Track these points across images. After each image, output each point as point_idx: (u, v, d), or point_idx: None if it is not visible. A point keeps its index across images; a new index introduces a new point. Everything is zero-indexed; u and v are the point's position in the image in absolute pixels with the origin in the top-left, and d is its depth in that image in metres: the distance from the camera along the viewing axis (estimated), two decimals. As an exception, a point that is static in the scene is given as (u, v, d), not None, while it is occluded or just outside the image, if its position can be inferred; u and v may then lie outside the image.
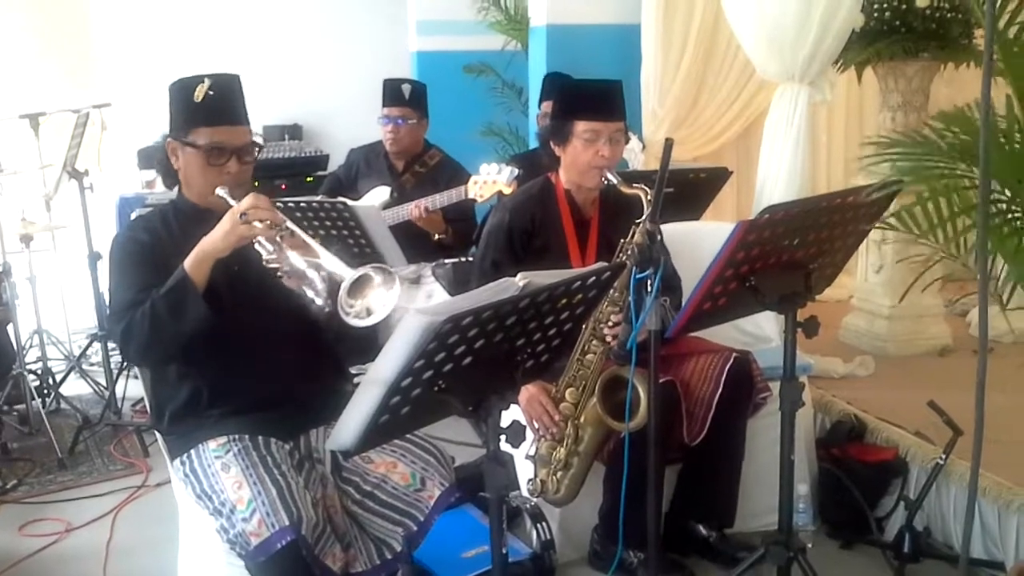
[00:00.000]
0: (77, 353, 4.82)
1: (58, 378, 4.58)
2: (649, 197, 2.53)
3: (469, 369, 1.75)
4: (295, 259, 2.13)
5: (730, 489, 2.93)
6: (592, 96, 2.91)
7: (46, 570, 3.13)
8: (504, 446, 1.88)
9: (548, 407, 2.69)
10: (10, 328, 4.18)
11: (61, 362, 4.82)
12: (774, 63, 3.65)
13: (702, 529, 2.95)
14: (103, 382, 4.53)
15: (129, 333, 2.20)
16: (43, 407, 4.22)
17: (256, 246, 2.19)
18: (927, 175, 2.46)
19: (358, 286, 2.01)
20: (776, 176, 3.66)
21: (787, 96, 3.63)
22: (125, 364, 4.51)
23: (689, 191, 3.80)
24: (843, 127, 5.72)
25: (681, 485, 2.98)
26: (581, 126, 2.86)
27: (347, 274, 2.00)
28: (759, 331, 3.42)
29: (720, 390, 2.78)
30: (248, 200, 2.17)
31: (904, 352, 4.18)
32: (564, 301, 1.87)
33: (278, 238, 2.15)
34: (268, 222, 2.14)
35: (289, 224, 2.17)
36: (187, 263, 2.17)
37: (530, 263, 2.86)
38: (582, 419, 2.69)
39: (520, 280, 1.79)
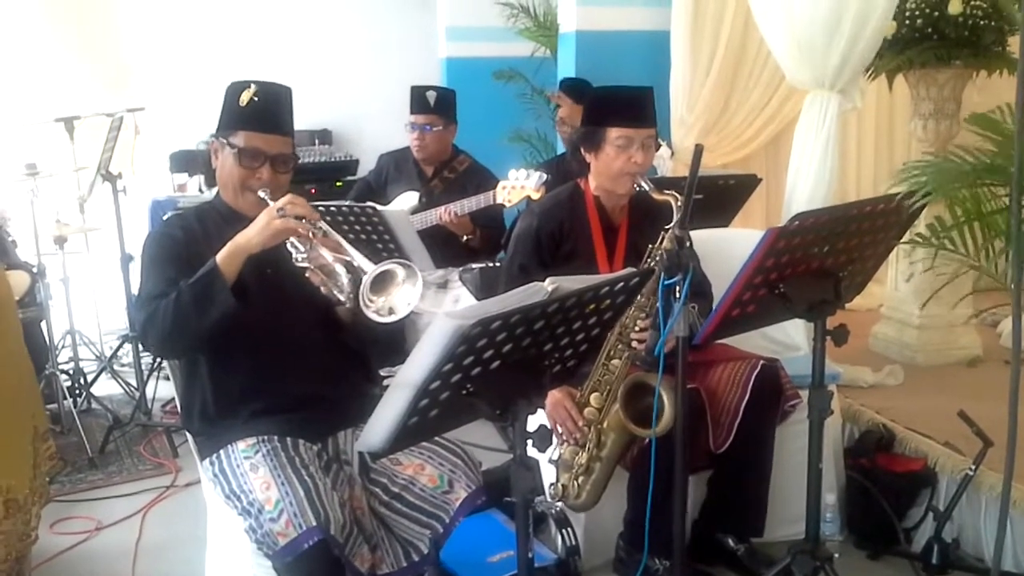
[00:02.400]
0: (108, 354, 4.88)
1: (89, 378, 4.64)
2: (679, 203, 2.53)
3: (497, 373, 1.76)
4: (325, 255, 2.17)
5: (759, 497, 2.91)
6: (624, 103, 2.91)
7: (76, 567, 3.17)
8: (530, 451, 1.89)
9: (572, 412, 2.69)
10: (43, 327, 4.25)
11: (93, 362, 4.90)
12: (804, 70, 3.64)
13: (730, 542, 2.94)
14: (134, 383, 4.57)
15: (152, 321, 2.22)
16: (74, 407, 4.28)
17: (289, 246, 2.23)
18: (955, 192, 2.47)
19: (381, 282, 2.05)
20: (805, 184, 3.64)
21: (817, 103, 3.61)
22: (156, 365, 4.56)
23: (718, 198, 3.80)
24: (873, 135, 5.67)
25: (710, 493, 2.98)
26: (614, 133, 2.86)
27: (370, 269, 2.03)
28: (787, 339, 3.40)
29: (747, 397, 2.77)
30: (286, 198, 2.22)
31: (934, 362, 4.14)
32: (592, 307, 1.88)
33: (311, 235, 2.18)
34: (304, 219, 2.19)
35: (323, 225, 2.21)
36: (219, 256, 2.20)
37: (558, 268, 2.88)
38: (605, 424, 2.69)
39: (549, 285, 1.80)
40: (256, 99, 2.35)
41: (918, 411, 3.46)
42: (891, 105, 5.44)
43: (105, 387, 4.71)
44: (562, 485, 2.72)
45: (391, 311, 2.06)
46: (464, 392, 1.74)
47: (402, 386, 1.68)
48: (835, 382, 3.23)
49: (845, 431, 3.42)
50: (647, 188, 2.72)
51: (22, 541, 2.16)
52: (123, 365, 4.98)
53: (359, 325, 2.38)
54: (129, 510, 3.55)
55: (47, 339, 4.27)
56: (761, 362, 2.84)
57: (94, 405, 4.53)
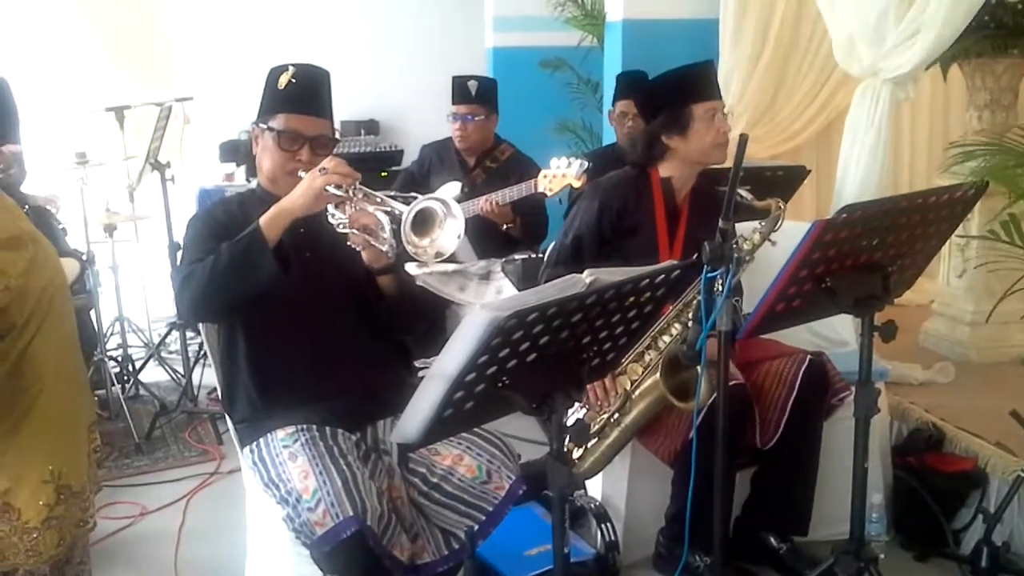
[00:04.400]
0: (156, 341, 4.94)
1: (137, 365, 4.70)
2: (782, 206, 2.52)
3: (534, 366, 1.73)
4: (366, 207, 2.19)
5: (803, 496, 2.87)
6: (701, 78, 2.97)
7: (120, 552, 3.21)
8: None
9: (605, 379, 2.67)
10: (92, 315, 4.31)
11: (141, 349, 4.95)
12: (858, 58, 3.55)
13: (772, 540, 2.89)
14: (181, 370, 4.63)
15: (188, 281, 2.23)
16: (122, 393, 4.34)
17: (329, 217, 2.24)
18: (1014, 180, 2.38)
19: (423, 224, 2.07)
20: (855, 175, 3.56)
21: (869, 93, 3.53)
22: (202, 353, 4.61)
23: (766, 189, 3.71)
24: (927, 126, 5.54)
25: (753, 490, 2.94)
26: (700, 108, 2.89)
27: (406, 210, 2.05)
28: (834, 334, 3.33)
29: (795, 393, 2.73)
30: (327, 160, 2.24)
31: (986, 359, 4.04)
32: (632, 299, 1.85)
33: (352, 193, 2.19)
34: (346, 175, 2.20)
35: (362, 186, 2.22)
36: (262, 219, 2.21)
37: (617, 243, 2.94)
38: (636, 393, 2.66)
39: (587, 277, 1.77)
40: (294, 81, 2.36)
41: (969, 410, 3.37)
42: (946, 96, 5.31)
43: (153, 374, 4.77)
44: (567, 448, 2.67)
45: (439, 253, 2.08)
46: (500, 385, 1.72)
47: (437, 377, 1.66)
48: (883, 379, 3.17)
49: (893, 429, 3.35)
50: (748, 199, 2.64)
51: (78, 527, 2.18)
52: (171, 352, 5.04)
53: (403, 295, 2.40)
54: (173, 496, 3.59)
55: (96, 326, 4.32)
56: (808, 357, 2.79)
57: (141, 391, 4.60)
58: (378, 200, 2.20)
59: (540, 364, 1.73)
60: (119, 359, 4.64)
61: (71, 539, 2.15)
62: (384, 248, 2.21)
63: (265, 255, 2.17)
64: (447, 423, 1.74)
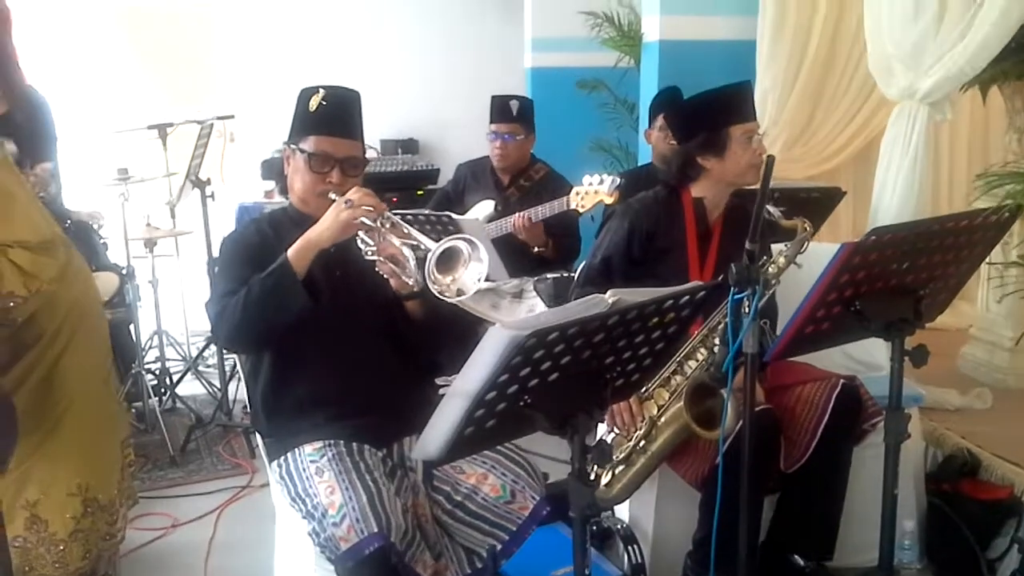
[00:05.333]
0: (194, 355, 5.00)
1: (175, 378, 4.76)
2: (807, 227, 2.52)
3: (555, 385, 1.73)
4: (393, 241, 2.20)
5: (832, 517, 2.83)
6: (739, 100, 2.96)
7: (151, 563, 3.25)
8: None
9: (633, 402, 2.66)
10: (131, 328, 4.37)
11: (178, 363, 5.02)
12: (895, 80, 3.52)
13: (799, 561, 2.85)
14: (217, 383, 4.68)
15: (223, 316, 2.27)
16: (159, 405, 4.40)
17: (359, 242, 2.27)
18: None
19: (447, 261, 2.07)
20: (892, 197, 3.52)
21: (904, 115, 3.50)
22: (238, 367, 4.66)
23: (801, 210, 3.69)
24: (966, 148, 5.46)
25: (781, 512, 2.90)
26: (738, 130, 2.89)
27: (433, 247, 2.05)
28: (869, 358, 3.29)
29: (826, 419, 2.70)
30: (353, 190, 2.26)
31: (1026, 386, 3.96)
32: (655, 320, 1.84)
33: (379, 224, 2.21)
34: (372, 208, 2.21)
35: (390, 214, 2.24)
36: (290, 251, 2.24)
37: (647, 265, 2.92)
38: (662, 420, 2.65)
39: (610, 297, 1.77)
40: (324, 103, 2.39)
41: (1006, 437, 3.30)
42: (986, 118, 5.23)
43: (189, 387, 4.83)
44: (595, 473, 2.66)
45: (460, 292, 2.07)
46: (521, 404, 1.72)
47: (458, 395, 1.67)
48: (917, 404, 3.12)
49: (928, 455, 3.30)
50: (776, 216, 2.65)
51: (105, 541, 2.20)
52: (208, 366, 5.11)
53: (432, 318, 2.40)
54: (205, 508, 3.63)
55: (135, 339, 4.39)
56: (841, 381, 2.76)
57: (178, 404, 4.65)
58: (404, 231, 2.21)
59: (562, 383, 1.74)
60: (157, 372, 4.70)
61: (97, 552, 2.18)
62: (409, 282, 2.24)
63: (295, 288, 2.21)
64: (468, 441, 1.74)
